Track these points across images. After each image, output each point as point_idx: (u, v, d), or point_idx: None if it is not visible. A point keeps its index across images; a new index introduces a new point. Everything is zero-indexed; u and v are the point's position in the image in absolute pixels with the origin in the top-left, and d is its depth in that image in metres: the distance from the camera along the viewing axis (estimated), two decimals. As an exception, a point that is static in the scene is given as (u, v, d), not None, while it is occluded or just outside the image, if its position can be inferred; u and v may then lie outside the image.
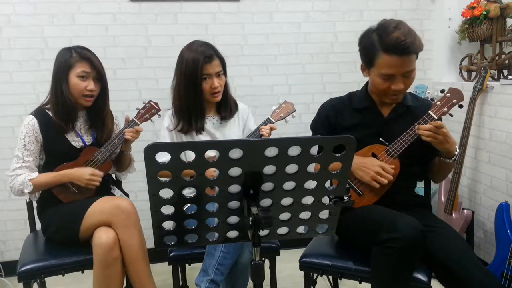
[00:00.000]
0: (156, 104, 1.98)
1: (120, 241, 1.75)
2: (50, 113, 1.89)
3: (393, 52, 1.57)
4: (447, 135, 1.59)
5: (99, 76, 1.89)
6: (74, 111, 1.89)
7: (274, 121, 2.00)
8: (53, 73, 1.88)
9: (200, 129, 1.97)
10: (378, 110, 1.78)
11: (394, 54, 1.58)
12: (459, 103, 1.66)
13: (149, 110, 1.97)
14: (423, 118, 1.65)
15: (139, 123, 1.95)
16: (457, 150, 1.67)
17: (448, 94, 1.66)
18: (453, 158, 1.66)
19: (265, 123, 1.98)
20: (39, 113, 1.89)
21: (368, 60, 1.67)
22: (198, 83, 1.88)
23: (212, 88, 1.90)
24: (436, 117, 1.64)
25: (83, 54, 1.85)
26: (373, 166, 1.66)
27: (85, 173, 1.83)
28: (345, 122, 1.80)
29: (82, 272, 1.78)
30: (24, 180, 1.81)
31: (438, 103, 1.66)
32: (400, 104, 1.76)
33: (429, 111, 1.66)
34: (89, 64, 1.85)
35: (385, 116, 1.77)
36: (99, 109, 1.95)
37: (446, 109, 1.65)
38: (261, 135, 1.92)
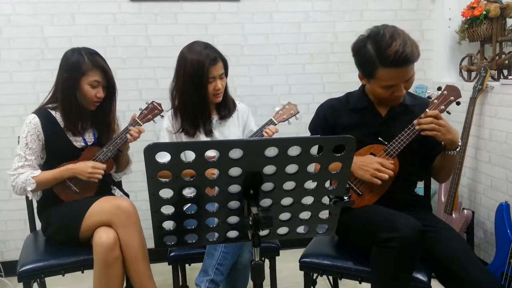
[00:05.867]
0: (159, 104, 1.98)
1: (120, 241, 1.75)
2: (52, 112, 1.90)
3: (393, 66, 1.56)
4: (447, 125, 1.59)
5: (109, 84, 1.90)
6: (86, 115, 1.91)
7: (276, 123, 1.98)
8: (63, 76, 1.85)
9: (209, 132, 1.97)
10: (376, 110, 1.77)
11: (394, 67, 1.56)
12: (457, 100, 1.66)
13: (152, 111, 1.97)
14: (421, 117, 1.65)
15: (141, 123, 1.95)
16: (460, 140, 1.66)
17: (445, 92, 1.65)
18: (457, 149, 1.65)
19: (267, 124, 1.96)
20: (41, 112, 1.89)
21: (367, 73, 1.66)
22: (203, 86, 1.88)
23: (215, 90, 1.90)
24: None
25: (96, 62, 1.84)
26: (371, 163, 1.65)
27: (86, 166, 1.83)
28: (343, 122, 1.79)
29: (82, 272, 1.78)
30: (26, 178, 1.81)
31: (436, 100, 1.66)
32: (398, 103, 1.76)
33: (427, 109, 1.65)
34: (102, 73, 1.85)
35: (383, 116, 1.77)
36: (105, 112, 1.95)
37: (443, 106, 1.64)
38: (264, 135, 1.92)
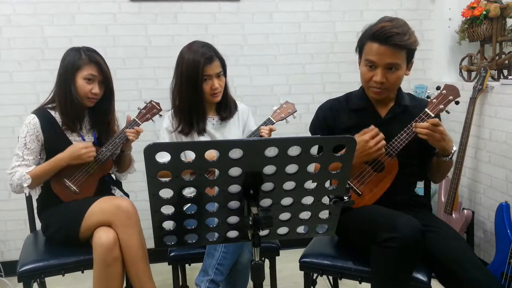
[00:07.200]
0: (158, 104, 1.98)
1: (120, 241, 1.75)
2: (52, 112, 1.90)
3: (376, 39, 1.61)
4: (444, 133, 1.59)
5: (105, 80, 1.90)
6: (81, 111, 1.91)
7: (274, 121, 1.99)
8: (60, 72, 1.87)
9: (202, 131, 1.97)
10: (375, 110, 1.78)
11: (377, 41, 1.61)
12: (455, 99, 1.66)
13: (151, 110, 1.97)
14: (420, 116, 1.65)
15: (140, 122, 1.95)
16: (454, 148, 1.67)
17: (444, 91, 1.65)
18: (449, 156, 1.66)
19: (265, 123, 1.97)
20: (40, 112, 1.89)
21: (359, 50, 1.73)
22: (198, 84, 1.87)
23: (212, 89, 1.90)
24: (432, 115, 1.64)
25: (92, 57, 1.85)
26: (364, 145, 1.62)
27: (77, 149, 1.82)
28: (343, 123, 1.79)
29: (82, 272, 1.78)
30: (22, 174, 1.80)
31: (434, 100, 1.66)
32: (397, 104, 1.76)
33: (426, 109, 1.65)
34: (97, 68, 1.86)
35: (382, 116, 1.77)
36: (104, 112, 1.95)
37: (442, 106, 1.64)
38: (261, 136, 1.92)
